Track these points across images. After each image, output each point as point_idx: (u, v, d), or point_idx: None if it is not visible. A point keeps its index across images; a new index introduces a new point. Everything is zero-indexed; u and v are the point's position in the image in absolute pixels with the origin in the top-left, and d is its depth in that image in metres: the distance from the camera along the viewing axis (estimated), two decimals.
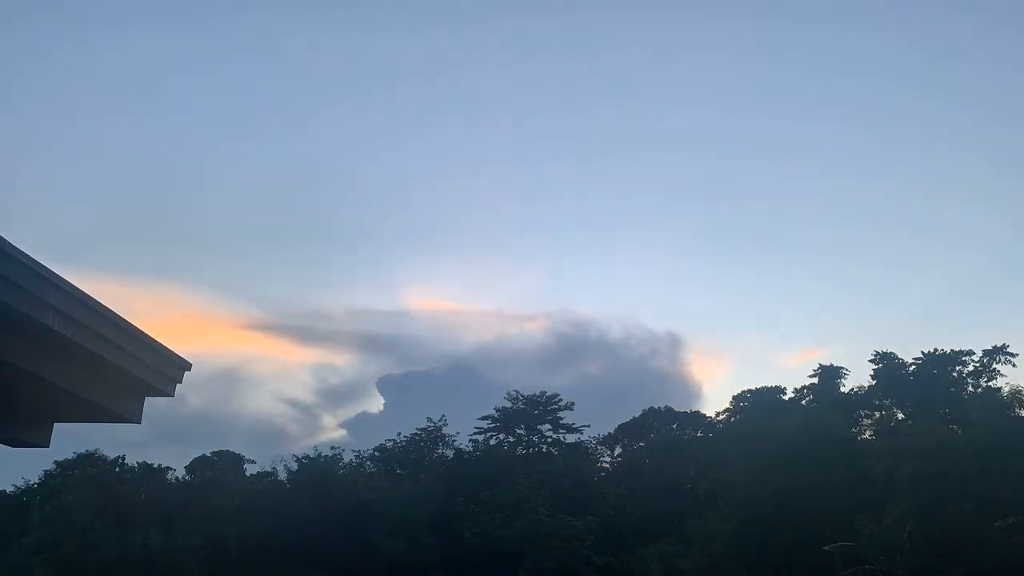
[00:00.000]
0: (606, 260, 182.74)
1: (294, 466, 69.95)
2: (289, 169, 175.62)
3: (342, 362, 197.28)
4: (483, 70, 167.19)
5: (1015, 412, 53.21)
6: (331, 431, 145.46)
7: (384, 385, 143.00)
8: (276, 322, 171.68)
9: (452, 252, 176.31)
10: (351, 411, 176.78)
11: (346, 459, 73.92)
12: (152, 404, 6.35)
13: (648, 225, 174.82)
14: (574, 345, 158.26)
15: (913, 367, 66.19)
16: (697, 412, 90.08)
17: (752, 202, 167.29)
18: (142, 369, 5.87)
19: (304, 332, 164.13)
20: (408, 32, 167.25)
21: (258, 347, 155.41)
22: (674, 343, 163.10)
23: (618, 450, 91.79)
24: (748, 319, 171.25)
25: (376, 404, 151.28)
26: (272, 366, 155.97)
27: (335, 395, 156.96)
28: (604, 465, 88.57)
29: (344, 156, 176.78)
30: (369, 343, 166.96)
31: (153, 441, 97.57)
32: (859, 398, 69.00)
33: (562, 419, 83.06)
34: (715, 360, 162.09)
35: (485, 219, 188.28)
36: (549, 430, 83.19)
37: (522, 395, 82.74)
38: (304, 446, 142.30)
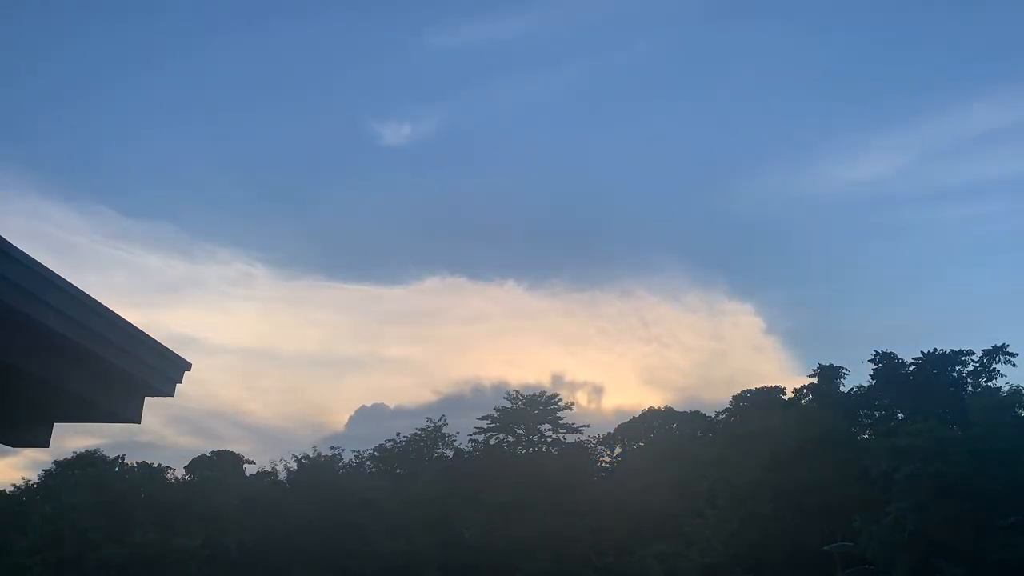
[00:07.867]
0: None
1: (294, 466, 70.01)
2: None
3: None
4: None
5: (1015, 412, 53.20)
6: None
7: None
8: None
9: None
10: None
11: (346, 459, 73.97)
12: None
13: None
14: None
15: (913, 367, 66.18)
16: (697, 412, 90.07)
17: None
18: (142, 369, 5.85)
19: None
20: None
21: None
22: None
23: (618, 450, 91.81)
24: None
25: None
26: None
27: None
28: (604, 465, 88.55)
29: None
30: None
31: None
32: (859, 398, 68.99)
33: (562, 419, 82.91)
34: None
35: None
36: (549, 430, 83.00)
37: (522, 395, 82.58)
38: None
